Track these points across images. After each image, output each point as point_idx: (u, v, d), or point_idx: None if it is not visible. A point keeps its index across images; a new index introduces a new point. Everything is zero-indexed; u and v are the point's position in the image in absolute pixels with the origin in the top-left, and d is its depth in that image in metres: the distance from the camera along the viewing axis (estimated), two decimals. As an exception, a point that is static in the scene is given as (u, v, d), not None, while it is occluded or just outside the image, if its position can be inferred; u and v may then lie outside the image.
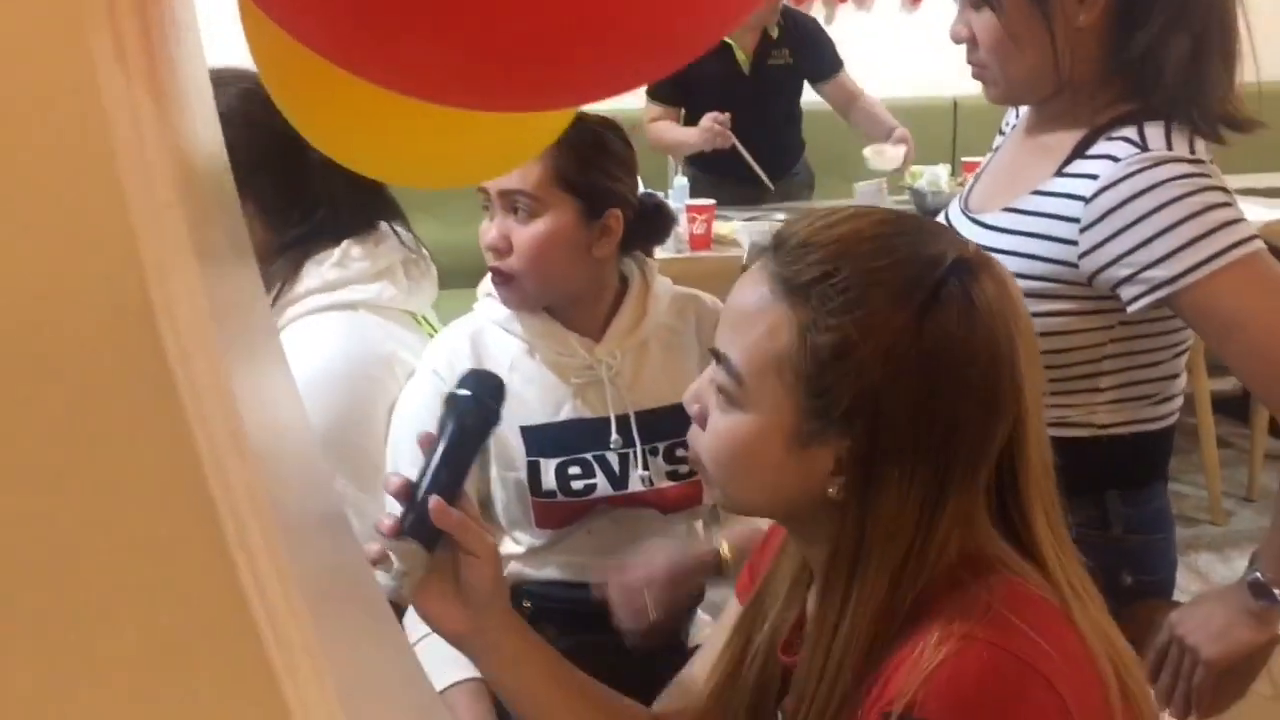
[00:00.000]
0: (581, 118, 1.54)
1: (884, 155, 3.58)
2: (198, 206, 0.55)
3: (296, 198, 1.58)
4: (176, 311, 0.48)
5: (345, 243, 1.60)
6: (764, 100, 3.69)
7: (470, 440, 1.06)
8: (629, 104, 4.06)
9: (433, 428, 1.54)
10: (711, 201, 3.23)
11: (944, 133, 4.77)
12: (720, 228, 3.24)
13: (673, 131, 3.70)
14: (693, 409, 0.98)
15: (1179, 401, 1.41)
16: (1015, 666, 0.83)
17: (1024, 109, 1.47)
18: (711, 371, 0.96)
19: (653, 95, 3.73)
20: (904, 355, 0.85)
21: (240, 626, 0.49)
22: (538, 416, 1.56)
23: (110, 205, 0.47)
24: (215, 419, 0.48)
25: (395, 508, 1.03)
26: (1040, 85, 1.34)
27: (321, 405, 1.49)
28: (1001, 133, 1.55)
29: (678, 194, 3.42)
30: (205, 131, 0.66)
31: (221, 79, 1.52)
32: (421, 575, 1.03)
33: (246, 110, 1.45)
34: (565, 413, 1.57)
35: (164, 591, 0.48)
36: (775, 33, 3.65)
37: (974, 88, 1.41)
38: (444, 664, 1.50)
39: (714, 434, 0.95)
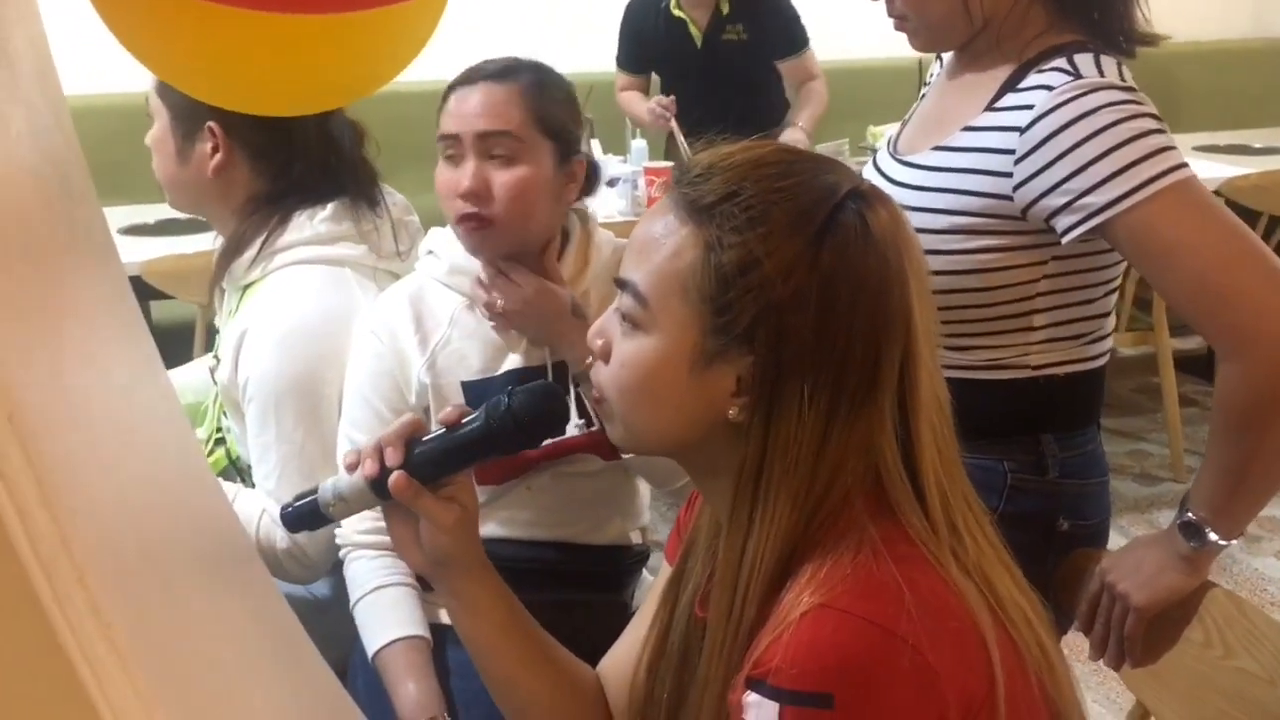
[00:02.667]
0: (542, 65, 1.54)
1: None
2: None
3: (281, 147, 1.62)
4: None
5: (339, 199, 1.65)
6: (718, 73, 3.74)
7: (487, 449, 1.02)
8: (596, 66, 4.08)
9: (370, 389, 1.55)
10: (669, 164, 3.22)
11: (908, 94, 4.72)
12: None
13: (633, 103, 3.84)
14: (596, 344, 0.97)
15: (1110, 343, 1.41)
16: (871, 634, 0.83)
17: (948, 56, 1.47)
18: (616, 302, 0.96)
19: (621, 65, 3.86)
20: (804, 273, 0.87)
21: (29, 611, 0.46)
22: (479, 371, 1.55)
23: None
24: (17, 474, 0.45)
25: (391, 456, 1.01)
26: (958, 25, 1.33)
27: (292, 356, 1.56)
28: (926, 83, 1.55)
29: (636, 156, 3.41)
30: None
31: None
32: (355, 511, 1.04)
33: None
34: (508, 365, 1.56)
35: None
36: (725, 8, 3.71)
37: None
38: (382, 622, 1.51)
39: (618, 362, 0.95)
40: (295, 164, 1.64)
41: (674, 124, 3.51)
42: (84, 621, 0.44)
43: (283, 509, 1.05)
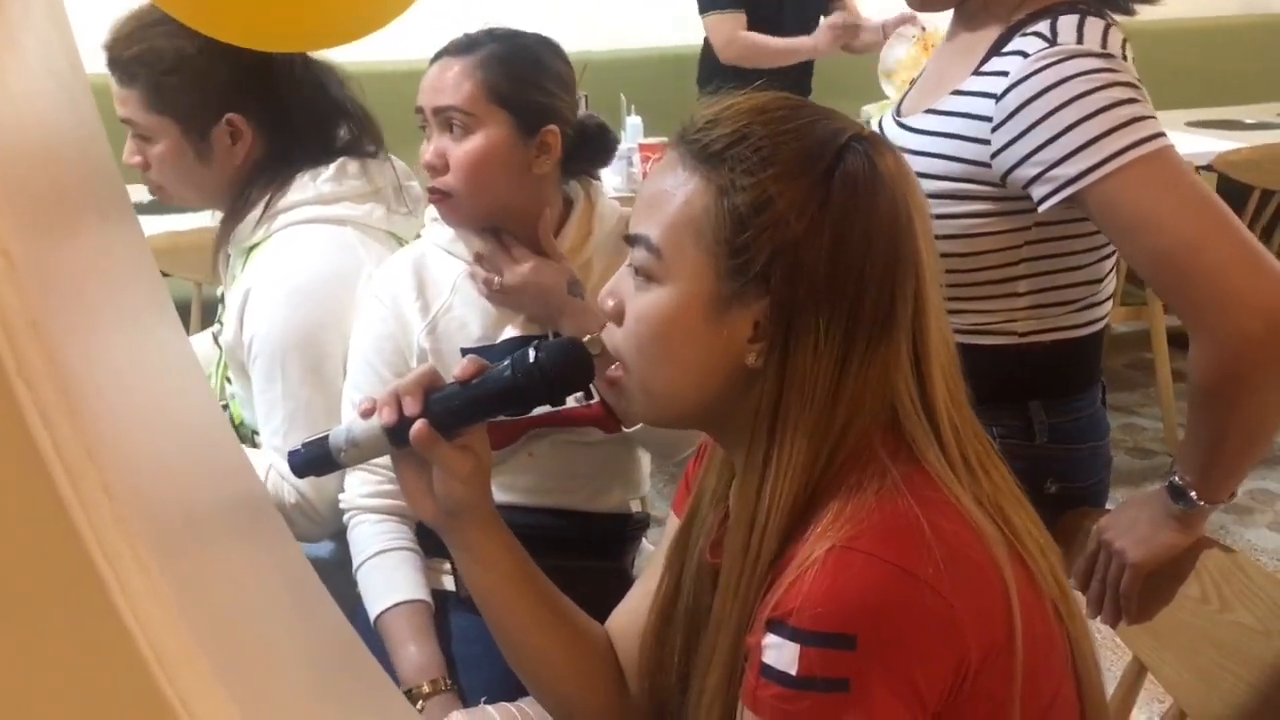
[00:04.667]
0: (519, 35, 1.54)
1: (894, 54, 3.47)
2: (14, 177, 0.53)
3: (278, 103, 1.62)
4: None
5: (342, 159, 1.66)
6: (804, 11, 3.66)
7: (511, 402, 1.01)
8: (635, 43, 4.00)
9: (373, 353, 1.56)
10: (665, 140, 3.21)
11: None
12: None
13: (775, 41, 3.55)
14: (607, 304, 0.97)
15: (1106, 309, 1.41)
16: (894, 576, 0.83)
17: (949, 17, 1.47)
18: (628, 258, 0.96)
19: (710, 6, 3.59)
20: (816, 209, 0.89)
21: (82, 575, 0.47)
22: (479, 339, 1.56)
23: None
24: (39, 379, 0.46)
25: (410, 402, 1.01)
26: None
27: (297, 312, 1.57)
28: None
29: (631, 133, 3.41)
30: (34, 88, 0.64)
31: (153, 27, 1.56)
32: (367, 458, 1.04)
33: (187, 42, 1.50)
34: (507, 333, 1.56)
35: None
36: None
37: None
38: (385, 586, 1.52)
39: (634, 318, 0.95)
40: (293, 116, 1.64)
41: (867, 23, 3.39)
42: (109, 531, 0.44)
43: (291, 453, 1.05)
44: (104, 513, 0.45)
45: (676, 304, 0.92)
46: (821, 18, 3.69)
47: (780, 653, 0.84)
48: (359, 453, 1.04)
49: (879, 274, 0.89)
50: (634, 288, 0.95)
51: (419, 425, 0.99)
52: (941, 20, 1.45)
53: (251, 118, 1.60)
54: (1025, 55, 1.24)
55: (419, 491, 1.04)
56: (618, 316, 0.97)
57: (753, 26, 3.56)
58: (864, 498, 0.87)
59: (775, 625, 0.84)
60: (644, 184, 0.97)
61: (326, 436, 1.04)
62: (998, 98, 1.24)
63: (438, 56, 1.53)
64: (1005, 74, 1.24)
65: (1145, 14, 1.37)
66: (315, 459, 1.04)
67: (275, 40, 1.00)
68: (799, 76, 3.72)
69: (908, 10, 1.49)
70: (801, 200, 0.89)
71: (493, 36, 1.53)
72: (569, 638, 1.12)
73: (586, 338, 1.01)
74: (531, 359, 0.99)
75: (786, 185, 0.89)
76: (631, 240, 0.95)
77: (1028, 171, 1.23)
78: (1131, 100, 1.20)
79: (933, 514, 0.86)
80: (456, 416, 1.01)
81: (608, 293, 0.98)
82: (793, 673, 0.83)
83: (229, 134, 1.60)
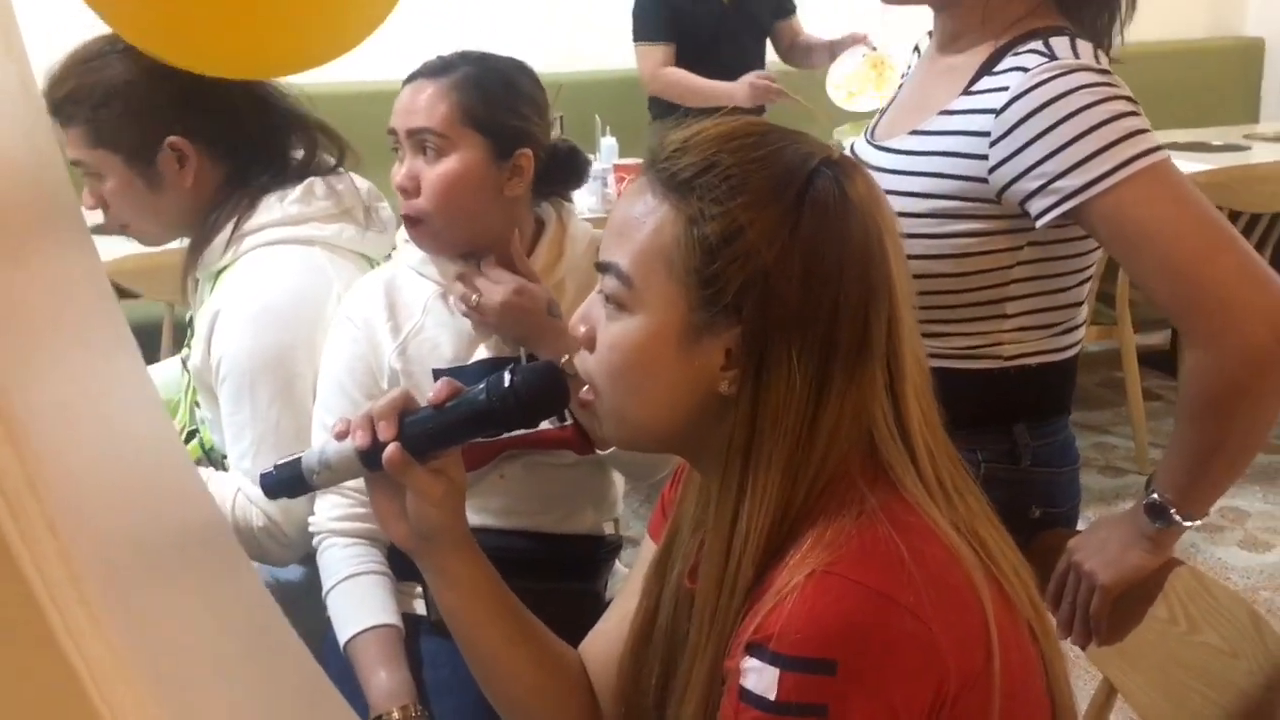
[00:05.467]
0: (492, 58, 1.54)
1: (842, 69, 3.64)
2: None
3: (227, 125, 1.61)
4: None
5: (310, 180, 1.65)
6: (743, 37, 3.74)
7: (485, 425, 1.01)
8: (609, 64, 4.02)
9: (345, 374, 1.55)
10: (639, 161, 3.21)
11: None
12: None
13: (698, 81, 3.61)
14: (579, 330, 0.97)
15: (1081, 334, 1.42)
16: (874, 601, 0.83)
17: (925, 45, 1.48)
18: (599, 286, 0.96)
19: (647, 36, 3.67)
20: (787, 237, 0.88)
21: (26, 614, 0.45)
22: (451, 360, 1.55)
23: None
24: None
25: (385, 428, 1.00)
26: None
27: (264, 334, 1.56)
28: (904, 75, 1.56)
29: (605, 154, 3.41)
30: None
31: (99, 51, 1.56)
32: (340, 480, 1.04)
33: (138, 65, 1.50)
34: (479, 354, 1.56)
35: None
36: None
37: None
38: (355, 611, 1.51)
39: (606, 346, 0.95)
40: (239, 133, 1.63)
41: (786, 91, 3.46)
42: (53, 567, 0.43)
43: (263, 474, 1.05)
44: (47, 548, 0.44)
45: (648, 333, 0.92)
46: (769, 37, 3.84)
47: (760, 677, 0.84)
48: (332, 475, 1.03)
49: (853, 300, 0.89)
50: (605, 315, 0.95)
51: (392, 449, 0.98)
52: (892, 40, 1.45)
53: (194, 138, 1.59)
54: (1025, 70, 1.24)
55: (392, 514, 1.04)
56: (589, 343, 0.96)
57: (688, 56, 3.61)
58: (843, 524, 0.87)
59: (755, 649, 0.84)
60: (615, 208, 0.97)
61: (299, 458, 1.04)
62: (998, 112, 1.24)
63: (411, 79, 1.53)
64: (1005, 89, 1.25)
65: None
66: (288, 480, 1.04)
67: (240, 67, 0.99)
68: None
69: (858, 31, 1.50)
70: (771, 229, 0.88)
71: (466, 59, 1.53)
72: (542, 661, 1.11)
73: (564, 359, 1.00)
74: (507, 383, 0.99)
75: (756, 214, 0.89)
76: (602, 268, 0.95)
77: (1029, 185, 1.23)
78: (1133, 114, 1.21)
79: (911, 539, 0.87)
80: (430, 440, 1.00)
81: (579, 318, 0.98)
82: (771, 697, 0.83)
83: (175, 158, 1.59)
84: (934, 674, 0.84)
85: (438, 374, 1.54)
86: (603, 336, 0.95)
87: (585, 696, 1.14)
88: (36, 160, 0.74)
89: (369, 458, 1.00)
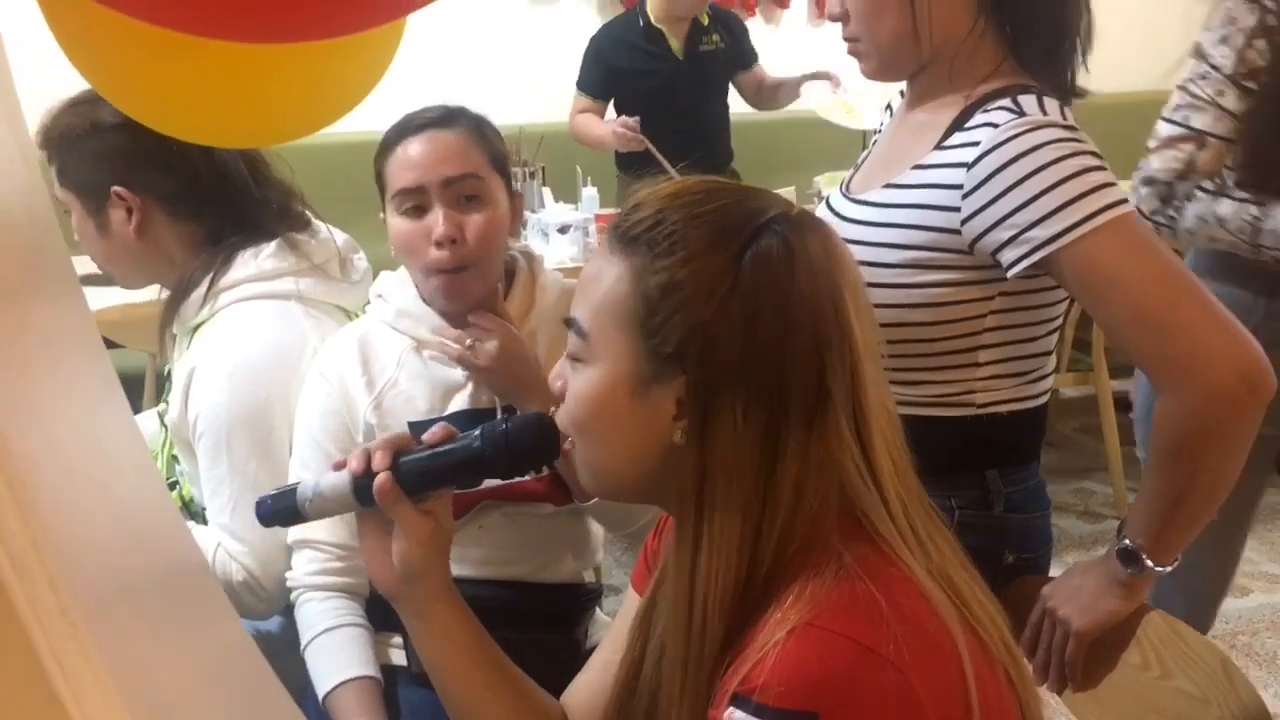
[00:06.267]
0: (470, 110, 1.57)
1: (815, 99, 3.84)
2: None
3: (187, 184, 1.63)
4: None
5: (284, 235, 1.67)
6: (698, 89, 3.87)
7: (476, 470, 1.04)
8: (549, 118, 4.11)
9: (319, 429, 1.56)
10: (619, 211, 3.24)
11: (855, 145, 4.84)
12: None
13: (593, 126, 3.84)
14: (556, 385, 1.00)
15: (1050, 382, 1.44)
16: (855, 653, 0.84)
17: (898, 104, 1.51)
18: (567, 342, 0.99)
19: (581, 87, 3.91)
20: (726, 292, 0.91)
21: (28, 670, 0.47)
22: (426, 412, 1.56)
23: None
24: None
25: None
26: (907, 51, 1.37)
27: (241, 389, 1.57)
28: (876, 132, 1.59)
29: (586, 204, 3.44)
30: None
31: (88, 96, 1.58)
32: (332, 513, 1.06)
33: (112, 116, 1.53)
34: (454, 406, 1.57)
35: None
36: (705, 20, 3.88)
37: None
38: (333, 663, 1.50)
39: (570, 398, 0.98)
40: (210, 195, 1.65)
41: (647, 141, 3.56)
42: (55, 624, 0.44)
43: (259, 501, 1.06)
44: (49, 605, 0.45)
45: (603, 384, 0.96)
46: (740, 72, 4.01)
47: None
48: (324, 505, 1.05)
49: (803, 352, 0.91)
50: (571, 370, 0.99)
51: (383, 478, 1.01)
52: (861, 88, 1.49)
53: (147, 193, 1.62)
54: (995, 125, 1.28)
55: (379, 554, 1.06)
56: (564, 396, 1.00)
57: (642, 105, 3.74)
58: (823, 579, 0.88)
59: (740, 701, 0.85)
60: (584, 266, 1.00)
61: (294, 488, 1.06)
62: (969, 165, 1.28)
63: (412, 132, 1.51)
64: (976, 144, 1.28)
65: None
66: (282, 510, 1.06)
67: (230, 137, 1.01)
68: (711, 146, 3.91)
69: (820, 68, 1.54)
70: (710, 283, 0.91)
71: (456, 109, 1.55)
72: (524, 711, 1.12)
73: (551, 410, 1.03)
74: (501, 430, 1.02)
75: (696, 269, 0.91)
76: (568, 323, 0.99)
77: (1000, 235, 1.26)
78: (1099, 168, 1.25)
79: (890, 590, 0.88)
80: (422, 478, 1.03)
81: (555, 375, 1.01)
82: None
83: (123, 207, 1.62)
84: None
85: (413, 427, 1.54)
86: (569, 389, 0.99)
87: None
88: (31, 219, 0.75)
89: (360, 491, 1.02)
